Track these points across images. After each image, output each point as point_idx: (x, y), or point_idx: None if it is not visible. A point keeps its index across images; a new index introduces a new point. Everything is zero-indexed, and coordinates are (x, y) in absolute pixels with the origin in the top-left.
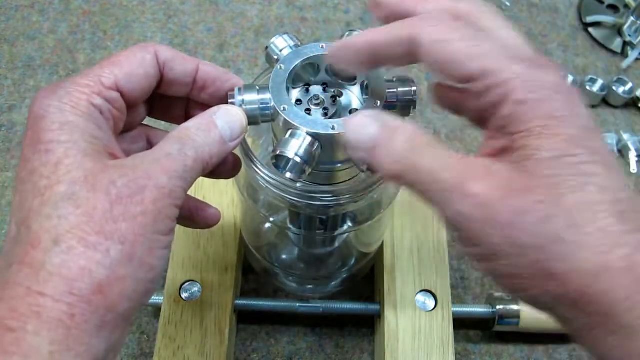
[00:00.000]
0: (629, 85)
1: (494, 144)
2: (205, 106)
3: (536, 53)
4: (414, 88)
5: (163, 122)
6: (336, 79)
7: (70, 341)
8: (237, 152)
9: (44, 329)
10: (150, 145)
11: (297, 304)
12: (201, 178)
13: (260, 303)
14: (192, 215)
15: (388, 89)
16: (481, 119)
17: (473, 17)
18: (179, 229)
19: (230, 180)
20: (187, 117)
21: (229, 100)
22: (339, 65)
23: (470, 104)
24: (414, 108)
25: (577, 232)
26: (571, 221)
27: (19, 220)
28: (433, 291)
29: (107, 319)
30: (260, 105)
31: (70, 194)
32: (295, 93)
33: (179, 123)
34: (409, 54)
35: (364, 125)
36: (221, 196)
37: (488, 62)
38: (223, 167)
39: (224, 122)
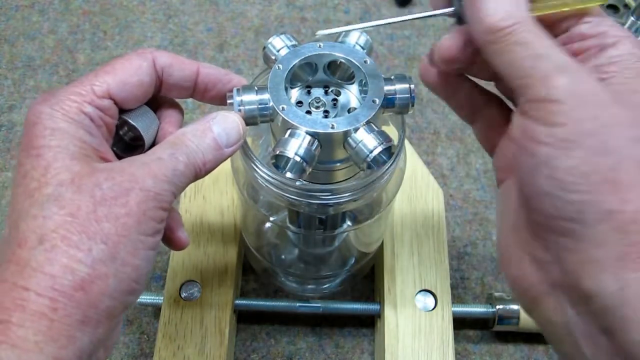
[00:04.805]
0: None
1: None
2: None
3: None
4: (412, 86)
5: None
6: (334, 77)
7: (53, 333)
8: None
9: (28, 320)
10: None
11: (297, 304)
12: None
13: (260, 303)
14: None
15: (386, 86)
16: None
17: None
18: None
19: (230, 180)
20: None
21: (228, 101)
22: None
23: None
24: (413, 106)
25: None
26: None
27: (11, 222)
28: (433, 291)
29: (89, 314)
30: (259, 106)
31: (56, 195)
32: (295, 93)
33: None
34: None
35: None
36: (221, 196)
37: None
38: None
39: (220, 128)
